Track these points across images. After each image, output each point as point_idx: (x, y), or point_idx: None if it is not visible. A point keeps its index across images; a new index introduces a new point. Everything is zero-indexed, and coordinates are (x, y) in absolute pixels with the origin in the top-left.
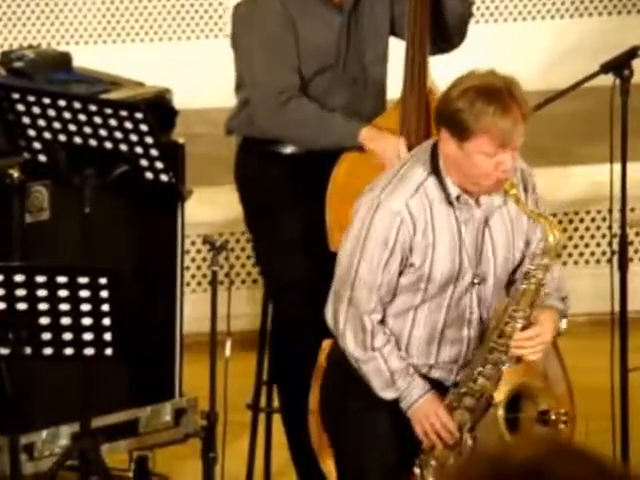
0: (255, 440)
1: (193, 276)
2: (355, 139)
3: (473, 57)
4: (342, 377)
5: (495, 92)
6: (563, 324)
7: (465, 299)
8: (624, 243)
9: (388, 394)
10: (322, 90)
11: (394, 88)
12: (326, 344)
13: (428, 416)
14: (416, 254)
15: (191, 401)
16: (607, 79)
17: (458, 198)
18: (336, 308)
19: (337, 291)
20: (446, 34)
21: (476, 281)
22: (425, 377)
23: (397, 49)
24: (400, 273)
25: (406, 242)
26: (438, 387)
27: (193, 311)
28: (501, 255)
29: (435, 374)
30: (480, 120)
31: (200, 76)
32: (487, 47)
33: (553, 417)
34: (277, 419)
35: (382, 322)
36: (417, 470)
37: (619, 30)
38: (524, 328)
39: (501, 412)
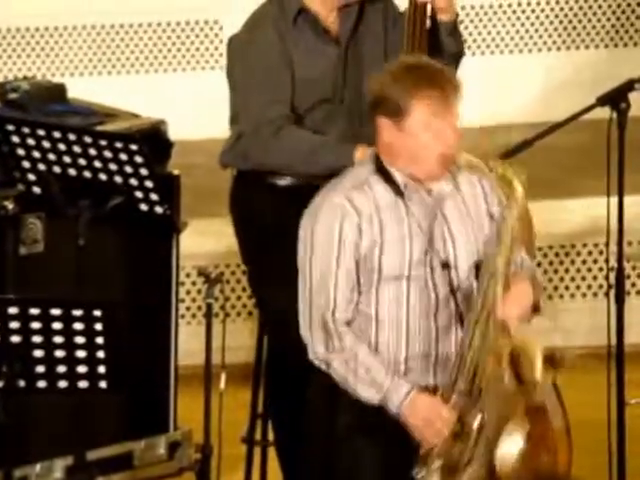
0: (250, 474)
1: (188, 308)
2: (350, 160)
3: (467, 89)
4: (326, 404)
5: (420, 66)
6: (541, 295)
7: (426, 288)
8: (621, 277)
9: (371, 394)
10: (319, 122)
11: None
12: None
13: (422, 409)
14: (364, 243)
15: (185, 434)
16: (604, 112)
17: (406, 186)
18: (303, 315)
19: (301, 300)
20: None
21: (437, 269)
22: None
23: None
24: (357, 266)
25: (354, 233)
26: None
27: (188, 343)
28: (460, 240)
29: (411, 375)
30: (411, 93)
31: (196, 107)
32: (481, 79)
33: (558, 355)
34: (272, 452)
35: (349, 324)
36: (420, 475)
37: (614, 62)
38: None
39: (505, 368)
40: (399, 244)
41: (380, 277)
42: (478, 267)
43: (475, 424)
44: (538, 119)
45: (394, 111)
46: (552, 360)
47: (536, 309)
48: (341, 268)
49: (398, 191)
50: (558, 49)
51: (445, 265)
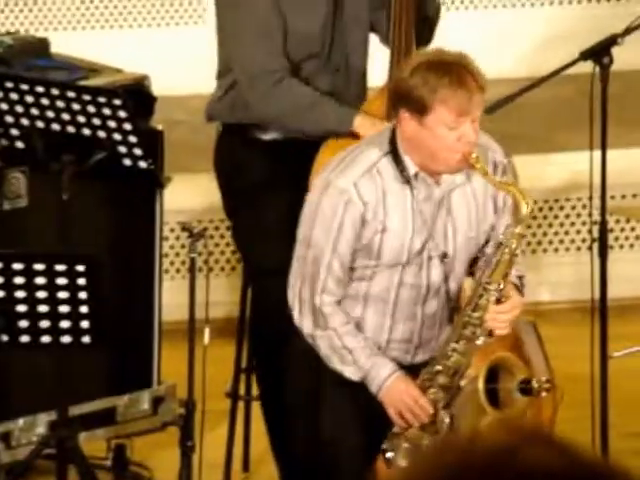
0: (234, 428)
1: (172, 263)
2: (349, 125)
3: (458, 44)
4: (309, 362)
5: (446, 64)
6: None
7: (419, 277)
8: (604, 230)
9: (351, 373)
10: (306, 77)
11: (374, 76)
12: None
13: (401, 395)
14: (366, 232)
15: (169, 389)
16: (588, 66)
17: (416, 176)
18: (292, 288)
19: (293, 271)
20: (418, 34)
21: (434, 259)
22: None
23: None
24: (354, 252)
25: (356, 221)
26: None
27: (171, 298)
28: (462, 233)
29: (391, 353)
30: (436, 92)
31: (179, 63)
32: (473, 34)
33: (535, 385)
34: (256, 407)
35: (339, 302)
36: (389, 454)
37: (610, 17)
38: (498, 301)
39: (481, 385)
40: (401, 234)
41: (377, 263)
42: (475, 260)
43: (446, 422)
44: (530, 74)
45: (417, 107)
46: (529, 388)
47: None
48: (336, 252)
49: (407, 180)
50: (551, 3)
51: (444, 256)
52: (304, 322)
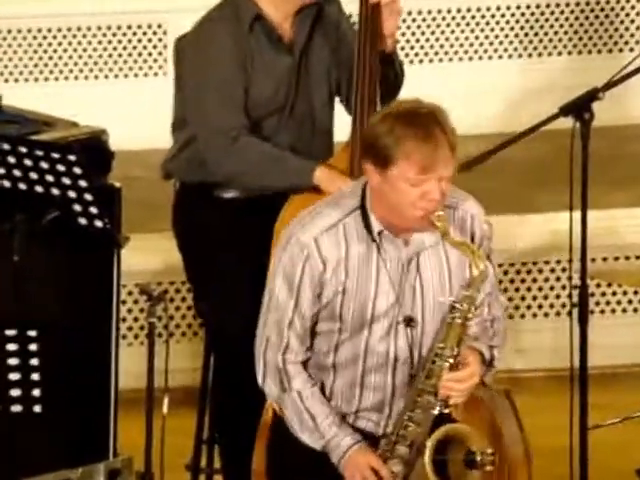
0: None
1: (130, 328)
2: (310, 179)
3: (430, 97)
4: (289, 437)
5: (416, 116)
6: (489, 375)
7: (386, 343)
8: (585, 295)
9: (313, 441)
10: (269, 132)
11: (339, 131)
12: (271, 401)
13: (360, 468)
14: (326, 292)
15: (126, 461)
16: (568, 122)
17: (380, 234)
18: (257, 353)
19: (258, 332)
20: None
21: (400, 324)
22: (352, 427)
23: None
24: (318, 312)
25: (315, 278)
26: (368, 439)
27: (130, 365)
28: (432, 297)
29: (361, 425)
30: (400, 144)
31: (138, 116)
32: (445, 87)
33: (478, 458)
34: None
35: (304, 365)
36: None
37: (586, 70)
38: (452, 368)
39: (427, 457)
40: (362, 295)
41: (341, 327)
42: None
43: None
44: (504, 129)
45: (380, 159)
46: (473, 461)
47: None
48: (298, 310)
49: (373, 238)
50: (529, 55)
51: (409, 321)
52: (268, 385)
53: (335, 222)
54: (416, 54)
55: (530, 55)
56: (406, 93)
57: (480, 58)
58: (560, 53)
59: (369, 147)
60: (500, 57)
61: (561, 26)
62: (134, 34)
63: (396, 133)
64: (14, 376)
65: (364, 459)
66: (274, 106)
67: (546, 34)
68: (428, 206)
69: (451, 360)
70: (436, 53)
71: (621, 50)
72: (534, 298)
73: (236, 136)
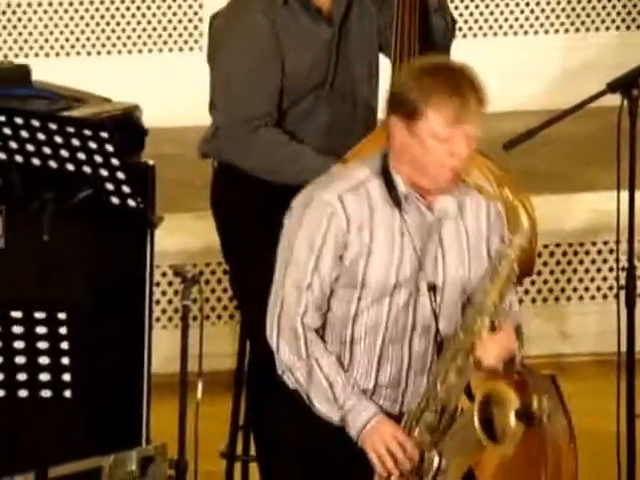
0: None
1: (164, 311)
2: None
3: (481, 72)
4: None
5: (445, 69)
6: (517, 357)
7: (406, 312)
8: (632, 277)
9: (330, 412)
10: (307, 108)
11: None
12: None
13: (383, 439)
14: (349, 254)
15: (159, 449)
16: (615, 99)
17: (407, 198)
18: (271, 317)
19: (272, 296)
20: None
21: (422, 290)
22: None
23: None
24: (337, 278)
25: (338, 238)
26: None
27: (163, 349)
28: (453, 267)
29: (378, 401)
30: (429, 96)
31: (173, 92)
32: (490, 62)
33: (535, 407)
34: (254, 468)
35: (319, 332)
36: None
37: (634, 46)
38: (491, 329)
39: (475, 418)
40: (387, 260)
41: (361, 294)
42: (468, 299)
43: (434, 464)
44: (550, 106)
45: (408, 112)
46: (526, 414)
47: (511, 361)
48: (317, 272)
49: (397, 202)
50: (577, 30)
51: (432, 287)
52: (281, 350)
53: (358, 183)
54: (459, 28)
55: (577, 30)
56: None
57: (525, 33)
58: (608, 28)
59: (396, 100)
60: (546, 32)
61: (608, 0)
62: (169, 7)
63: (425, 84)
64: (43, 360)
65: (388, 431)
66: (313, 81)
67: (593, 8)
68: (455, 164)
69: (491, 317)
70: (480, 28)
71: None
72: (580, 280)
73: (256, 127)
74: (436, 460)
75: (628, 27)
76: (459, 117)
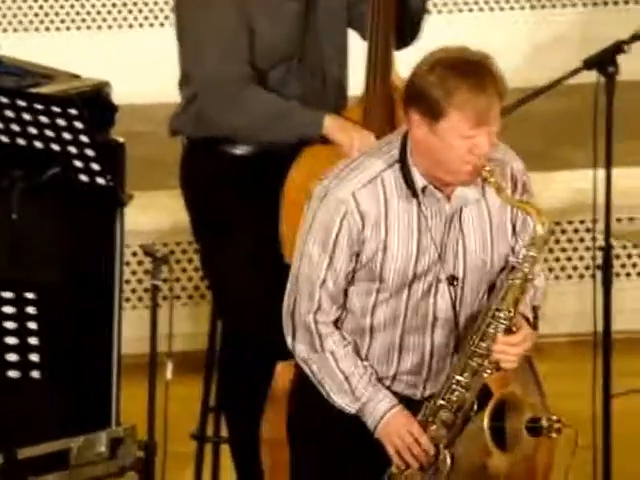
0: (200, 474)
1: (133, 291)
2: (318, 128)
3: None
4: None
5: (469, 65)
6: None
7: (426, 303)
8: (609, 256)
9: (346, 403)
10: (276, 82)
11: (354, 87)
12: (280, 368)
13: (399, 432)
14: (367, 249)
15: (128, 430)
16: (591, 76)
17: (424, 190)
18: (286, 311)
19: (288, 290)
20: (401, 31)
21: (442, 283)
22: (389, 391)
23: (358, 44)
24: (354, 270)
25: (353, 235)
26: (406, 404)
27: (133, 330)
28: (474, 255)
29: (398, 388)
30: (453, 96)
31: (143, 69)
32: (460, 39)
33: (545, 424)
34: (226, 450)
35: (336, 324)
36: None
37: (603, 22)
38: (507, 331)
39: (486, 422)
40: (404, 253)
41: (380, 287)
42: (491, 287)
43: (447, 462)
44: (520, 84)
45: (430, 111)
46: (538, 427)
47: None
48: (332, 269)
49: (414, 193)
50: (543, 7)
51: (452, 280)
52: (297, 345)
53: (374, 176)
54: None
55: (544, 6)
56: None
57: (491, 9)
58: (574, 4)
59: (417, 97)
60: (512, 8)
61: None
62: None
63: (448, 84)
64: (11, 340)
65: (404, 425)
66: (282, 55)
67: None
68: (477, 160)
69: (507, 322)
70: (445, 4)
71: (637, 2)
72: (557, 260)
73: (240, 88)
74: (448, 460)
75: (595, 4)
76: (484, 117)
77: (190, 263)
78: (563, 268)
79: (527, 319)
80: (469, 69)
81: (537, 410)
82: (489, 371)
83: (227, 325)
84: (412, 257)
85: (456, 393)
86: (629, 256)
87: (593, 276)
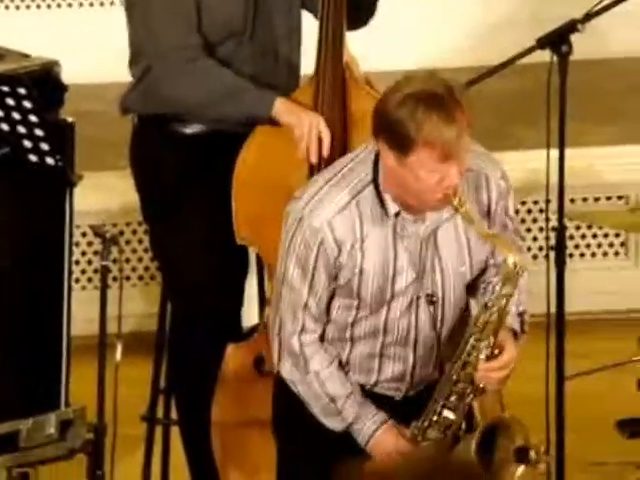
0: (150, 456)
1: (83, 272)
2: (268, 109)
3: (399, 30)
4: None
5: (438, 99)
6: (522, 340)
7: (407, 319)
8: (562, 237)
9: (334, 424)
10: (225, 56)
11: (307, 66)
12: (231, 349)
13: (390, 453)
14: (344, 272)
15: (78, 412)
16: (544, 55)
17: (397, 215)
18: (272, 331)
19: (272, 311)
20: (356, 10)
21: (421, 301)
22: (371, 393)
23: (310, 23)
24: (334, 290)
25: (329, 262)
26: (389, 404)
27: (83, 311)
28: (452, 270)
29: (380, 391)
30: (422, 130)
31: (93, 48)
32: (412, 18)
33: (533, 456)
34: (176, 432)
35: (321, 340)
36: None
37: (556, 2)
38: (489, 357)
39: (473, 447)
40: (380, 275)
41: (359, 304)
42: (469, 288)
43: None
44: (472, 62)
45: (400, 142)
46: (525, 456)
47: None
48: (313, 292)
49: (388, 216)
50: None
51: (431, 300)
52: (283, 366)
53: (348, 201)
54: None
55: None
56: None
57: None
58: None
59: (386, 128)
60: None
61: None
62: None
63: (417, 117)
64: None
65: (394, 444)
66: (231, 29)
67: None
68: (447, 190)
69: (487, 351)
70: None
71: None
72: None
73: (193, 57)
74: None
75: None
76: (453, 151)
77: (140, 244)
78: None
79: (513, 331)
80: (437, 101)
81: (528, 438)
82: (474, 395)
83: (177, 307)
84: (389, 278)
85: (443, 414)
86: (583, 236)
87: (547, 257)
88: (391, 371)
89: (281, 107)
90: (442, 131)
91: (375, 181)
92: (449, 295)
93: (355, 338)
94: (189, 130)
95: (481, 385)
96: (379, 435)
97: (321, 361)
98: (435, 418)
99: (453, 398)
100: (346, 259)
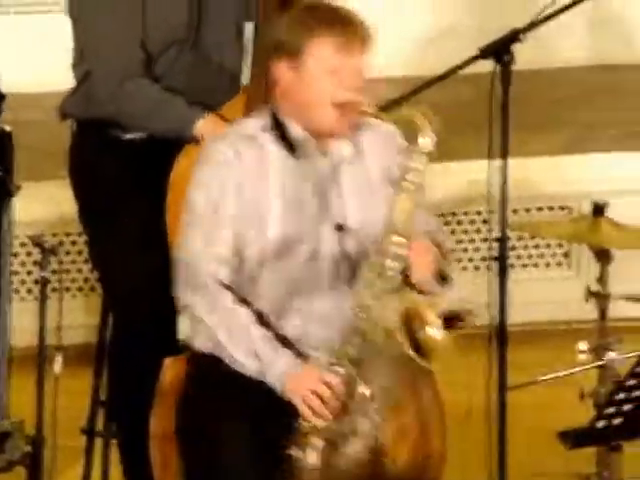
0: (90, 469)
1: (22, 282)
2: (190, 129)
3: None
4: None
5: (320, 5)
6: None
7: (312, 266)
8: (504, 247)
9: (249, 363)
10: (167, 63)
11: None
12: (168, 362)
13: (305, 379)
14: (248, 206)
15: (16, 424)
16: (487, 65)
17: (301, 144)
18: (182, 265)
19: (182, 246)
20: None
21: (329, 232)
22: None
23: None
24: (243, 222)
25: (237, 190)
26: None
27: (22, 322)
28: (355, 214)
29: (290, 321)
30: (313, 29)
31: (33, 56)
32: None
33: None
34: (115, 445)
35: (230, 285)
36: (295, 452)
37: (498, 10)
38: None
39: (403, 338)
40: (288, 206)
41: (265, 246)
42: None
43: (367, 396)
44: (412, 72)
45: (291, 50)
46: (450, 319)
47: (444, 279)
48: (221, 224)
49: (291, 149)
50: None
51: (339, 228)
52: (194, 304)
53: (250, 135)
54: None
55: None
56: None
57: None
58: None
59: (277, 43)
60: None
61: None
62: None
63: (306, 21)
64: None
65: (307, 370)
66: (174, 36)
67: None
68: (349, 90)
69: (402, 234)
70: None
71: None
72: (452, 251)
73: (125, 78)
74: (366, 392)
75: None
76: (346, 45)
77: (80, 255)
78: (459, 260)
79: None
80: (325, 7)
81: (437, 307)
82: (396, 290)
83: (116, 315)
84: (292, 213)
85: (360, 324)
86: (525, 247)
87: (489, 267)
88: (292, 330)
89: (205, 127)
90: (334, 23)
91: (275, 123)
92: (354, 230)
93: (259, 287)
94: (128, 135)
95: (407, 275)
96: (294, 367)
97: (234, 299)
98: (351, 333)
99: (369, 301)
100: (251, 185)
